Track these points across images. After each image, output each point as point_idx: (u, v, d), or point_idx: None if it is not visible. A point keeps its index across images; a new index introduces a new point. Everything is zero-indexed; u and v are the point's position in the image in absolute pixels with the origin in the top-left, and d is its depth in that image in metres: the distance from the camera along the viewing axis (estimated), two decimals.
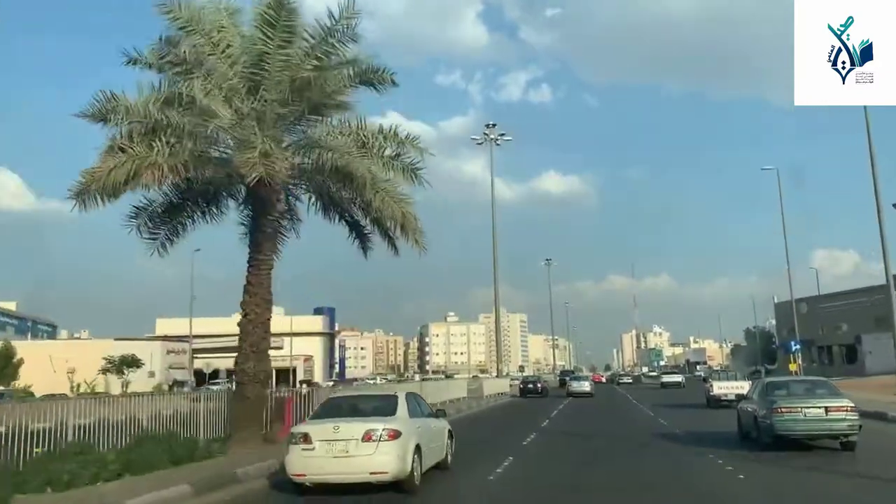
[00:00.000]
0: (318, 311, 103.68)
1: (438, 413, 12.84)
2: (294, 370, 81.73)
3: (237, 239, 15.87)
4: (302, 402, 17.53)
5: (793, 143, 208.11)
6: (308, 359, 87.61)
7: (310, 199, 16.69)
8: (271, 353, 15.54)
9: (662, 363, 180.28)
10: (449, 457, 12.18)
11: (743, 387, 24.22)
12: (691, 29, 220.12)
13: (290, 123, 14.80)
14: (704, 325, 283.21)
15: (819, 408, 13.13)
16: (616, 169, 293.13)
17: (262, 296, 14.87)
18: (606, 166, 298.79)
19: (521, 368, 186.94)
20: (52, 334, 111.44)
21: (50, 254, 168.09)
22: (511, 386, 52.21)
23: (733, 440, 15.50)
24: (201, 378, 69.25)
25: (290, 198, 16.59)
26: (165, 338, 61.63)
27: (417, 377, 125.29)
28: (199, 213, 16.29)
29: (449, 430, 12.57)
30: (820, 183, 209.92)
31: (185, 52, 14.06)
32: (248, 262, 14.97)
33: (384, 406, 10.70)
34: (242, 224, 15.84)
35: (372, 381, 77.11)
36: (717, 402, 27.43)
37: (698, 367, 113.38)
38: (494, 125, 46.65)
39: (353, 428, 9.77)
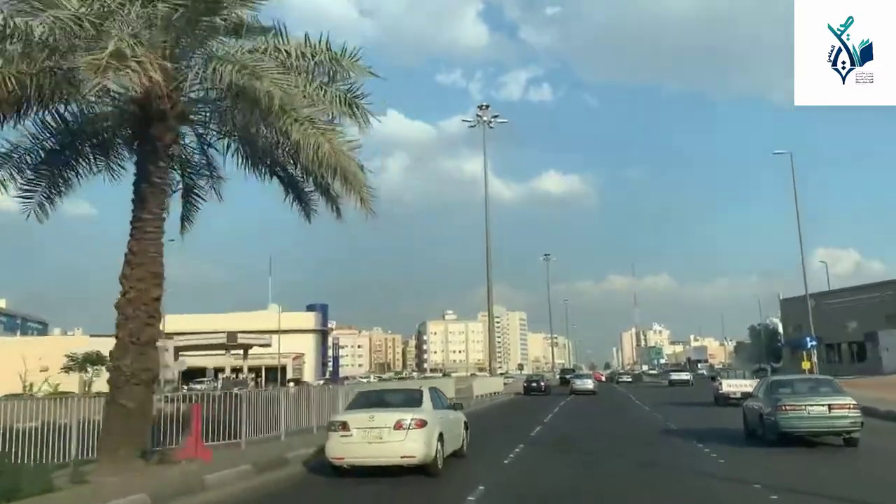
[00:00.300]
0: (310, 308, 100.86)
1: (456, 406, 14.27)
2: (284, 368, 78.73)
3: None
4: (262, 407, 14.99)
5: (793, 142, 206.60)
6: (298, 357, 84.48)
7: (226, 144, 13.16)
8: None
9: (663, 361, 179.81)
10: (465, 445, 13.33)
11: (751, 385, 24.17)
12: (691, 28, 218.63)
13: (179, 30, 10.57)
14: (704, 324, 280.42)
15: (822, 405, 13.50)
16: (616, 168, 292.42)
17: (147, 267, 11.40)
18: (606, 166, 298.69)
19: (521, 367, 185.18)
20: (42, 331, 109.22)
21: (47, 253, 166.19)
22: (505, 384, 50.09)
23: (738, 437, 15.77)
24: (189, 377, 66.20)
25: (204, 145, 13.37)
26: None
27: (415, 375, 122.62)
28: (86, 163, 12.85)
29: (465, 422, 13.77)
30: (820, 182, 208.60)
31: None
32: (131, 222, 11.61)
33: (411, 398, 11.94)
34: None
35: (365, 380, 74.31)
36: (725, 400, 27.55)
37: (699, 365, 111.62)
38: (488, 106, 43.56)
39: (386, 417, 10.88)
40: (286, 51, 11.43)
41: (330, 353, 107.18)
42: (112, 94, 11.12)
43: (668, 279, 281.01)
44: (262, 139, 12.31)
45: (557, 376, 71.83)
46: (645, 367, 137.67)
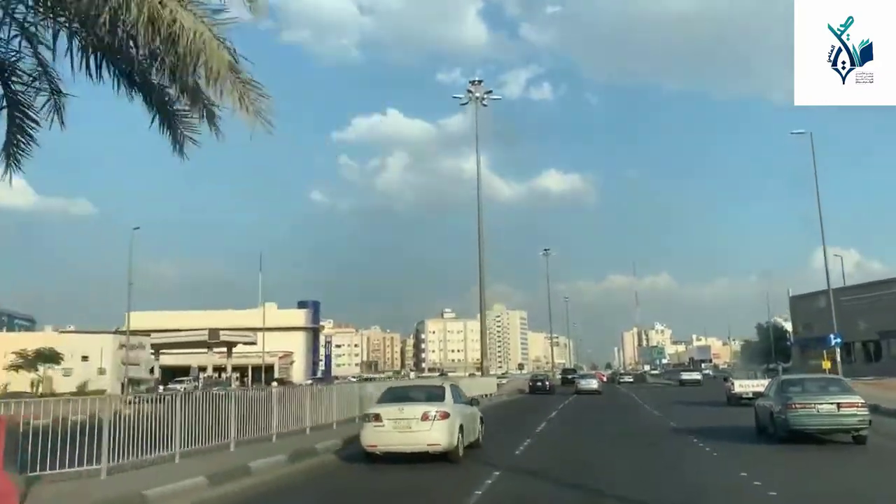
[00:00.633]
0: (301, 305, 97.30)
1: (473, 402, 15.39)
2: (272, 368, 75.26)
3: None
4: (210, 411, 12.26)
5: (794, 141, 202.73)
6: (286, 355, 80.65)
7: (62, 36, 9.09)
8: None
9: (665, 361, 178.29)
10: (480, 437, 14.49)
11: (763, 385, 24.12)
12: (692, 27, 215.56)
13: None
14: (704, 324, 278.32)
15: (831, 404, 13.91)
16: (617, 167, 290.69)
17: None
18: (607, 165, 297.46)
19: (521, 366, 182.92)
20: (30, 328, 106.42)
21: (44, 251, 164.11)
22: (500, 385, 47.05)
23: (750, 435, 16.22)
24: (170, 376, 63.11)
25: (33, 41, 9.44)
26: (117, 331, 55.35)
27: (412, 374, 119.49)
28: None
29: (480, 417, 14.89)
30: (820, 183, 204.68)
31: None
32: None
33: (434, 394, 13.36)
34: None
35: (354, 380, 70.81)
36: (737, 400, 27.72)
37: (703, 365, 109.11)
38: (480, 81, 39.84)
39: (414, 409, 12.29)
40: None
41: (322, 351, 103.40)
42: None
43: (669, 279, 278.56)
44: (103, 27, 8.19)
45: (559, 376, 68.39)
46: (646, 368, 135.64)
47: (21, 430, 9.19)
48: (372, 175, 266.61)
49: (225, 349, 69.86)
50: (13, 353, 47.31)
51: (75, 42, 8.87)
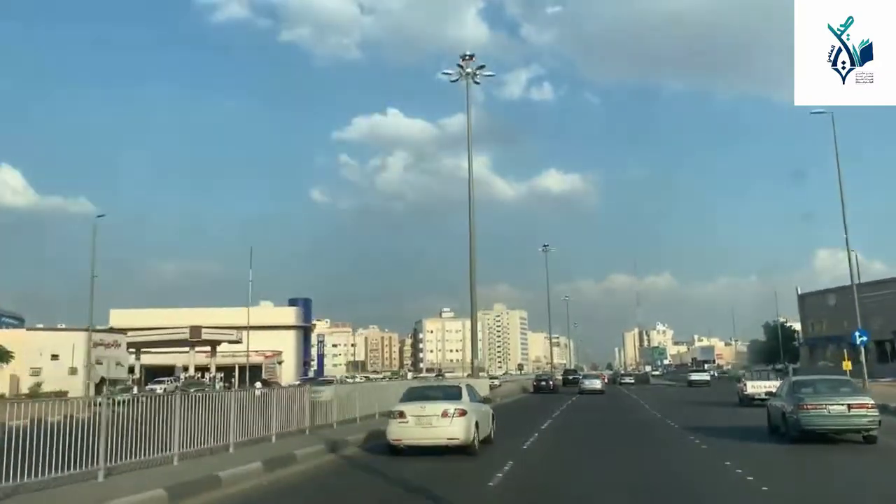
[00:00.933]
0: (292, 303, 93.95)
1: (486, 401, 17.47)
2: (260, 367, 72.08)
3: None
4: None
5: (794, 142, 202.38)
6: (273, 354, 77.26)
7: None
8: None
9: (666, 362, 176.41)
10: (492, 433, 15.68)
11: (775, 385, 24.16)
12: (694, 26, 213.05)
13: None
14: (706, 324, 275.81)
15: (842, 405, 14.29)
16: (617, 167, 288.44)
17: None
18: (608, 164, 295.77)
19: (521, 367, 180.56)
20: (18, 327, 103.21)
21: (37, 249, 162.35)
22: (492, 388, 48.42)
23: (762, 434, 16.70)
24: (153, 376, 60.06)
25: None
26: (88, 329, 52.37)
27: (410, 375, 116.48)
28: None
29: (492, 414, 16.18)
30: (822, 182, 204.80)
31: None
32: None
33: (453, 393, 14.63)
34: None
35: (350, 381, 67.74)
36: (750, 401, 27.72)
37: (706, 365, 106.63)
38: (472, 56, 36.14)
39: (435, 407, 13.51)
40: None
41: (315, 351, 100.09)
42: None
43: (670, 278, 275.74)
44: None
45: (560, 377, 65.98)
46: (648, 368, 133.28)
47: None
48: (372, 174, 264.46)
49: (209, 348, 66.72)
50: None
51: None
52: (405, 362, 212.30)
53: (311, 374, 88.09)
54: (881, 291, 64.52)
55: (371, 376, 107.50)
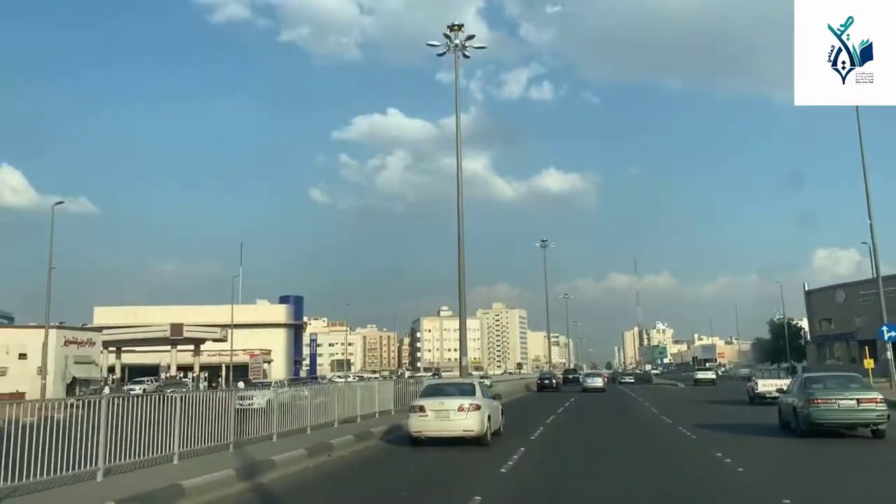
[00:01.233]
0: (283, 300, 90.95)
1: (496, 397, 18.25)
2: (247, 367, 69.07)
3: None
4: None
5: (794, 142, 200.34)
6: (261, 353, 74.22)
7: None
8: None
9: (666, 361, 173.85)
10: (502, 427, 16.91)
11: (785, 384, 24.46)
12: (692, 26, 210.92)
13: None
14: (706, 323, 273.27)
15: (851, 399, 14.68)
16: (617, 167, 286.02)
17: None
18: (608, 164, 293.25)
19: (520, 366, 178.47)
20: (7, 325, 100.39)
21: (33, 248, 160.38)
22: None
23: (773, 428, 17.38)
24: (136, 376, 57.13)
25: None
26: (61, 326, 49.52)
27: (407, 374, 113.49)
28: None
29: (501, 409, 17.38)
30: (821, 182, 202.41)
31: None
32: None
33: (467, 389, 15.57)
34: None
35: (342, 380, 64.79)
36: (760, 399, 28.15)
37: (707, 364, 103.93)
38: (461, 27, 32.45)
39: (452, 402, 14.73)
40: None
41: (307, 350, 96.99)
42: None
43: (670, 277, 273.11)
44: None
45: (560, 376, 64.01)
46: (648, 367, 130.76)
47: None
48: (372, 174, 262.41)
49: (192, 346, 63.79)
50: None
51: None
52: (403, 361, 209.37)
53: (303, 374, 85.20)
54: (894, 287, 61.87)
55: (366, 375, 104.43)
